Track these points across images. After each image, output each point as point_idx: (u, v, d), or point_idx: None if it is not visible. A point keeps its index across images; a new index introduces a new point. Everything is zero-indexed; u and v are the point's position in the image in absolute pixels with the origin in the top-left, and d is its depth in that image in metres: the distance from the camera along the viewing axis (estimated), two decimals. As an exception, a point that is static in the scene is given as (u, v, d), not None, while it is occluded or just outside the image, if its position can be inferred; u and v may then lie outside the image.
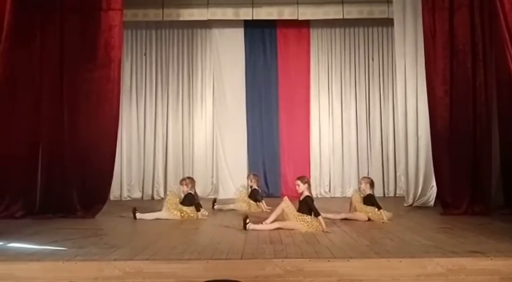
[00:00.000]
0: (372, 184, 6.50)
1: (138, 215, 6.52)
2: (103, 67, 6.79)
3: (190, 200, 6.65)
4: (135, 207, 6.79)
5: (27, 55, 6.81)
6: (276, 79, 9.86)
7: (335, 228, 5.68)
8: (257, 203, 7.43)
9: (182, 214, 6.52)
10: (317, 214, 5.49)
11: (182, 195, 6.78)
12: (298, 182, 5.72)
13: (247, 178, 8.01)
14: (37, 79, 6.89)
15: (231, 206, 7.50)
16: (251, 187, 7.66)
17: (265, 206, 7.35)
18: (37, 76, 6.89)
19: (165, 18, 9.32)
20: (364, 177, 7.08)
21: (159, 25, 9.84)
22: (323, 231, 5.36)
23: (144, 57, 9.85)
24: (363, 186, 6.52)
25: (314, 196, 6.02)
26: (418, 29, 7.61)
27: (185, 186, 6.74)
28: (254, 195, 7.52)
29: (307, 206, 5.56)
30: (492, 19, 6.51)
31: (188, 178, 7.13)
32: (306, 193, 5.66)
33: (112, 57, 6.83)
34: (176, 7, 9.10)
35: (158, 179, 9.65)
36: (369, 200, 6.34)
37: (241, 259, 4.11)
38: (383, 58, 9.89)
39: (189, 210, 6.56)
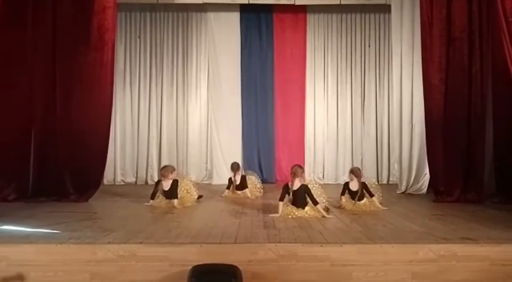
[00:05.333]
0: (354, 173, 6.28)
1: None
2: (96, 50, 6.69)
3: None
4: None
5: (19, 38, 6.68)
6: (272, 64, 9.79)
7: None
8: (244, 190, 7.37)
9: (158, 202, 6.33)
10: (315, 203, 5.49)
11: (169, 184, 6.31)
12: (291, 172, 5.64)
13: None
14: (29, 62, 6.78)
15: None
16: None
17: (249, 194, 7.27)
18: (29, 59, 6.78)
19: (160, 1, 9.20)
20: (358, 168, 6.61)
21: (153, 8, 9.70)
22: (324, 217, 5.40)
23: (138, 40, 9.73)
24: (362, 177, 6.35)
25: (307, 182, 5.94)
26: (416, 16, 7.57)
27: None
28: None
29: (304, 195, 5.50)
30: (489, 6, 6.48)
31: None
32: (301, 182, 5.58)
33: (105, 40, 6.73)
34: (171, -11, 8.98)
35: (152, 163, 9.62)
36: (367, 189, 6.19)
37: (235, 243, 4.13)
38: (380, 45, 9.83)
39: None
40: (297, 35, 9.82)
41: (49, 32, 6.76)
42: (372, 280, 3.93)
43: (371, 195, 6.15)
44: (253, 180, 7.55)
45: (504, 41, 5.58)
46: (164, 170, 6.48)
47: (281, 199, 5.55)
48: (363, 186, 6.16)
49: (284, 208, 5.53)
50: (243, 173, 7.60)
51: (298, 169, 5.62)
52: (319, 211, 5.49)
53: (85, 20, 6.66)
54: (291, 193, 5.52)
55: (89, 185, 6.78)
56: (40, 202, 6.44)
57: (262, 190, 7.54)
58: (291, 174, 5.63)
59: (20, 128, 6.77)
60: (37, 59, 6.80)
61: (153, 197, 6.39)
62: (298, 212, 5.44)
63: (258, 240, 4.21)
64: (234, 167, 7.49)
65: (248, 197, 7.19)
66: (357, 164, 9.23)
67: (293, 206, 5.52)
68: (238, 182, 7.37)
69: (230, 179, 7.47)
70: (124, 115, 9.67)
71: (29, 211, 5.75)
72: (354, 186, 6.18)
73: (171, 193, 6.26)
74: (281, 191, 5.62)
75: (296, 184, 5.52)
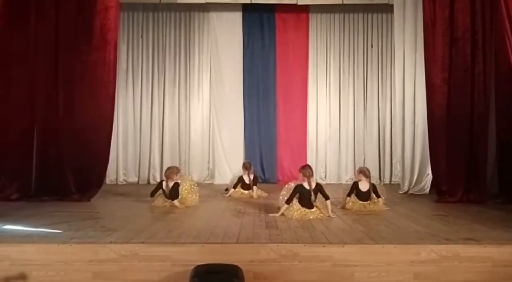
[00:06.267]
0: (363, 173, 6.26)
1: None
2: (99, 49, 6.70)
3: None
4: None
5: (22, 37, 6.70)
6: (274, 64, 9.79)
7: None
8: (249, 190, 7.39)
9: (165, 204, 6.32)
10: (327, 197, 5.54)
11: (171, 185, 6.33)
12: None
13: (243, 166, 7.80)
14: (31, 62, 6.79)
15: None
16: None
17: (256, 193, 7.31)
18: (31, 59, 6.79)
19: (162, 1, 9.22)
20: (367, 168, 6.51)
21: (156, 7, 9.71)
22: (329, 216, 5.43)
23: (140, 39, 9.74)
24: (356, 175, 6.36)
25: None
26: (418, 16, 7.55)
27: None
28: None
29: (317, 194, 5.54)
30: (492, 7, 6.46)
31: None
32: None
33: (108, 40, 6.74)
34: (174, -11, 8.98)
35: (154, 163, 9.63)
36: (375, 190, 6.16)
37: (237, 243, 4.13)
38: (382, 45, 9.82)
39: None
40: (300, 35, 9.81)
41: (51, 32, 6.77)
42: (374, 280, 3.92)
43: (378, 196, 6.09)
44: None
45: (508, 41, 5.57)
46: (169, 172, 6.40)
47: (288, 202, 5.47)
48: (373, 186, 6.12)
49: (293, 209, 5.44)
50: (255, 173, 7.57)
51: (310, 169, 5.63)
52: (327, 208, 5.48)
53: (87, 20, 6.67)
54: (312, 192, 5.46)
55: (92, 184, 6.79)
56: (43, 201, 6.44)
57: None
58: (305, 174, 5.52)
59: (22, 127, 6.77)
60: (40, 59, 6.81)
61: (153, 195, 6.39)
62: (311, 213, 5.40)
63: (260, 240, 4.21)
64: (247, 166, 7.49)
65: (252, 197, 7.19)
66: (359, 164, 9.23)
67: (302, 207, 5.45)
68: (248, 181, 7.35)
69: (240, 178, 7.44)
70: (127, 115, 9.68)
71: (32, 211, 5.75)
72: (364, 186, 6.11)
73: (172, 195, 6.24)
74: (291, 192, 5.49)
75: (313, 184, 5.53)
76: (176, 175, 6.37)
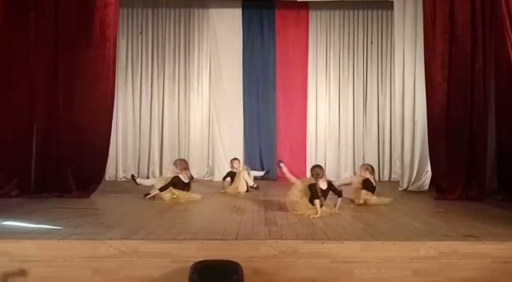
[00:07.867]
0: (369, 170, 6.45)
1: (139, 180, 7.65)
2: (99, 46, 6.69)
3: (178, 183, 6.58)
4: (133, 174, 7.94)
5: (21, 34, 6.68)
6: (274, 61, 9.75)
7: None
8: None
9: (174, 196, 6.45)
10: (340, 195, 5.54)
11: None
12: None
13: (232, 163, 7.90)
14: (31, 58, 6.77)
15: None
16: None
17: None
18: (31, 56, 6.77)
19: (162, -3, 9.18)
20: (363, 164, 7.04)
21: (155, 3, 9.69)
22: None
23: (140, 36, 9.71)
24: (362, 173, 6.45)
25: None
26: (418, 13, 7.53)
27: (176, 168, 6.79)
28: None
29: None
30: (493, 4, 6.45)
31: (180, 159, 7.18)
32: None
33: (107, 36, 6.73)
34: (173, -15, 8.96)
35: (154, 159, 9.64)
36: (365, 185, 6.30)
37: (236, 239, 4.14)
38: (382, 42, 9.79)
39: (179, 192, 6.50)
40: (299, 32, 9.78)
41: (51, 29, 6.74)
42: (373, 277, 3.94)
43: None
44: (245, 176, 7.59)
45: (508, 39, 5.57)
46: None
47: (318, 197, 5.34)
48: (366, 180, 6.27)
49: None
50: (233, 169, 7.68)
51: (320, 169, 5.56)
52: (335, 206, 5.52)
53: (87, 16, 6.66)
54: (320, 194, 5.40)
55: (91, 181, 6.79)
56: (42, 197, 6.45)
57: (249, 187, 7.54)
58: (315, 175, 5.45)
59: (22, 124, 6.76)
60: (40, 56, 6.78)
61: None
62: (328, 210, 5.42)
63: (259, 237, 4.22)
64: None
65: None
66: (358, 161, 9.25)
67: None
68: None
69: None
70: (126, 111, 9.66)
71: (31, 207, 5.76)
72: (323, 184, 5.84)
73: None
74: (311, 190, 5.40)
75: (324, 184, 5.46)
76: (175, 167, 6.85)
